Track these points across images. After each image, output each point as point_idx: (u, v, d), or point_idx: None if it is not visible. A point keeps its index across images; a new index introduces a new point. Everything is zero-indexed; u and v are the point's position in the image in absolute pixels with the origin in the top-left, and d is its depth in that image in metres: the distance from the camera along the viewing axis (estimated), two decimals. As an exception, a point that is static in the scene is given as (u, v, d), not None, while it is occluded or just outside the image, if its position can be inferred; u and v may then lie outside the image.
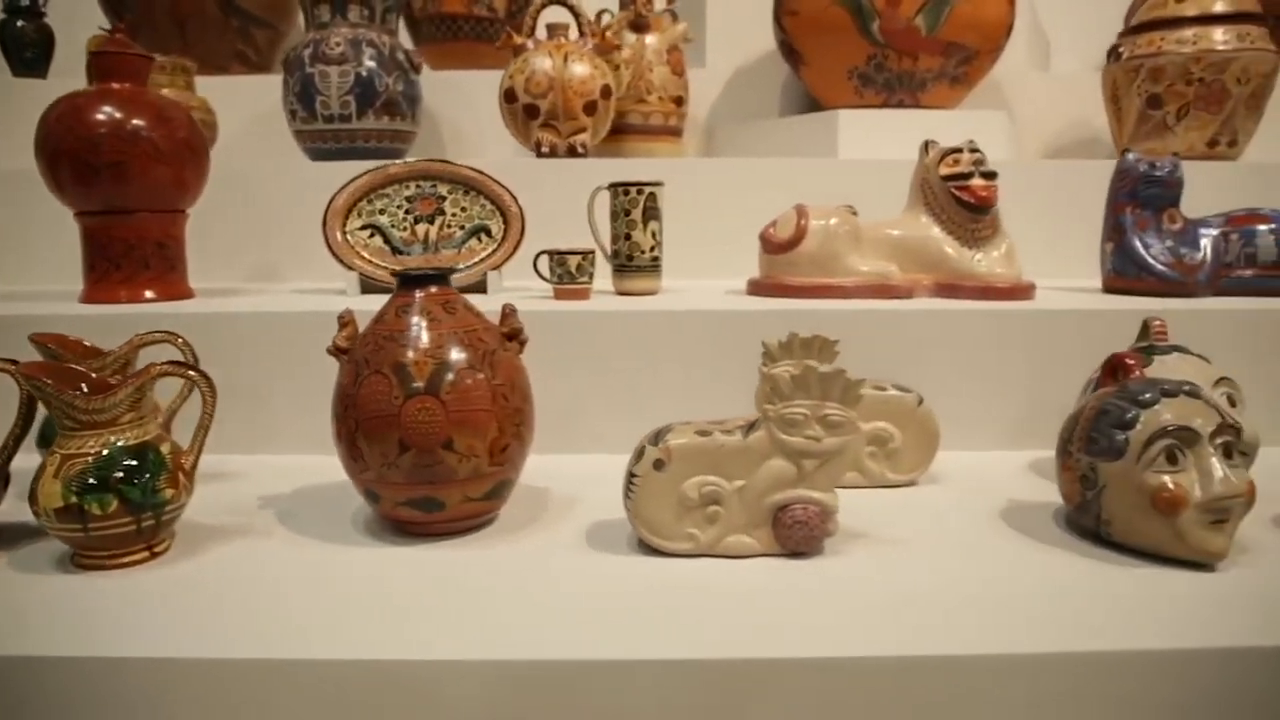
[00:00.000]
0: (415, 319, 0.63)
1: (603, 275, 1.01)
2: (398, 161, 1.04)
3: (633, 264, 0.97)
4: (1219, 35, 1.28)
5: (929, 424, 0.76)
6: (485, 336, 0.65)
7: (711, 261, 1.19)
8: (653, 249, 0.97)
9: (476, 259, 1.01)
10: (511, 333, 0.67)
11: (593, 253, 0.94)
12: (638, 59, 1.32)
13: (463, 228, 1.03)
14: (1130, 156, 1.00)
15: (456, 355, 0.62)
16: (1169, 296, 0.97)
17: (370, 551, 0.63)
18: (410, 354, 0.61)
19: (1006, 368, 0.89)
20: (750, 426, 0.60)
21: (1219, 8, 1.29)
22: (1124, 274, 1.00)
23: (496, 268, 1.01)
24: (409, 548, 0.63)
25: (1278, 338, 0.91)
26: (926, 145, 0.98)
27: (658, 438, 0.61)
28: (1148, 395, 0.61)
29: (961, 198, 0.95)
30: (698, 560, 0.61)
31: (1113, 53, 1.37)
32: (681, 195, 1.21)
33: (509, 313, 0.68)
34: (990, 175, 0.96)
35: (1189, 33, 1.29)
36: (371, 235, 1.02)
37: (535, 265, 0.95)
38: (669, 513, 0.60)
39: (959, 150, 0.96)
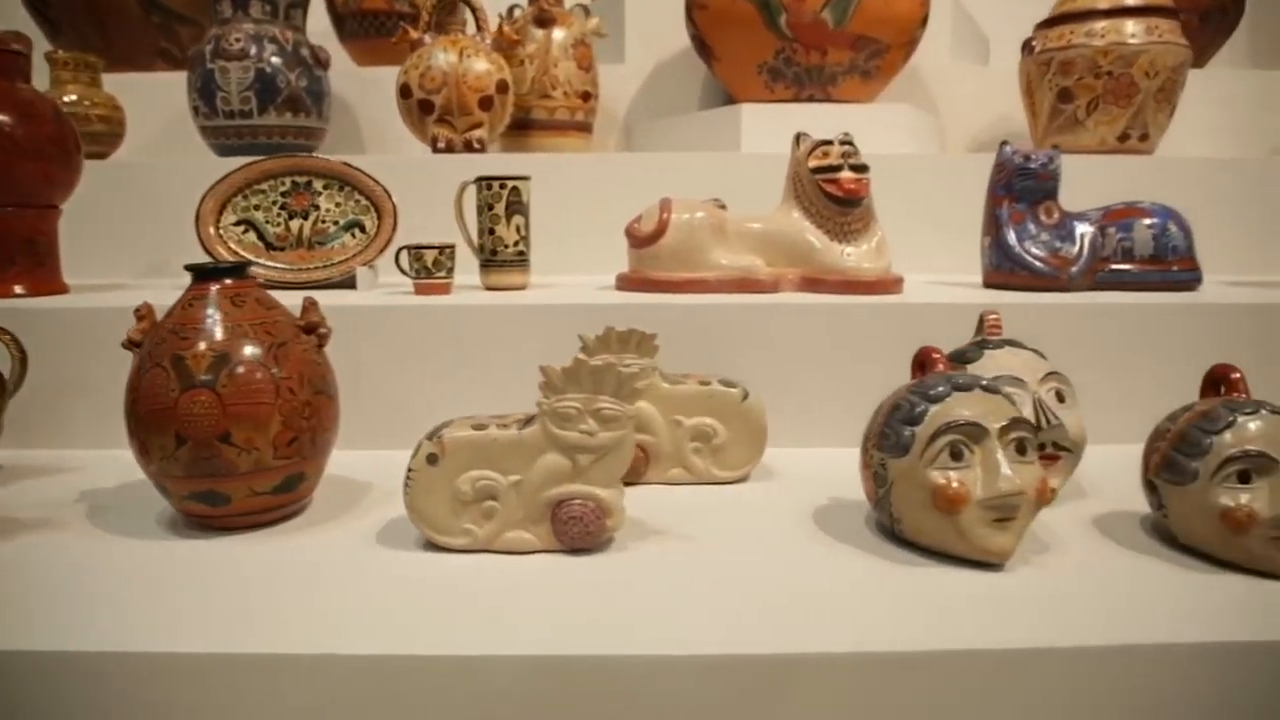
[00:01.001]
0: (201, 313, 0.63)
1: (474, 270, 1.00)
2: (271, 157, 1.03)
3: (497, 259, 0.96)
4: (1129, 28, 1.26)
5: (755, 419, 0.74)
6: (275, 330, 0.64)
7: (604, 256, 1.18)
8: (517, 244, 0.96)
9: (350, 254, 1.01)
10: (309, 326, 0.66)
11: (451, 247, 0.93)
12: (542, 54, 1.31)
13: (336, 223, 1.03)
14: (1006, 149, 0.98)
15: (237, 349, 0.61)
16: (1043, 291, 0.95)
17: (159, 545, 0.62)
18: (189, 347, 0.61)
19: (865, 362, 0.88)
20: (528, 421, 0.60)
21: (1130, 1, 1.27)
22: (1000, 268, 0.98)
23: (367, 263, 1.00)
24: (198, 541, 0.63)
25: (1144, 333, 0.89)
26: (798, 138, 0.97)
27: (435, 432, 0.60)
28: (939, 389, 0.60)
29: (829, 190, 0.93)
30: (476, 556, 0.60)
31: (1026, 46, 1.35)
32: (586, 190, 1.21)
33: (308, 306, 0.67)
34: (860, 168, 0.94)
35: (1099, 25, 1.27)
36: (246, 231, 1.02)
37: (397, 261, 0.95)
38: (445, 508, 0.60)
39: (829, 143, 0.95)
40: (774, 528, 0.65)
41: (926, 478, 0.57)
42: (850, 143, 0.96)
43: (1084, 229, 0.98)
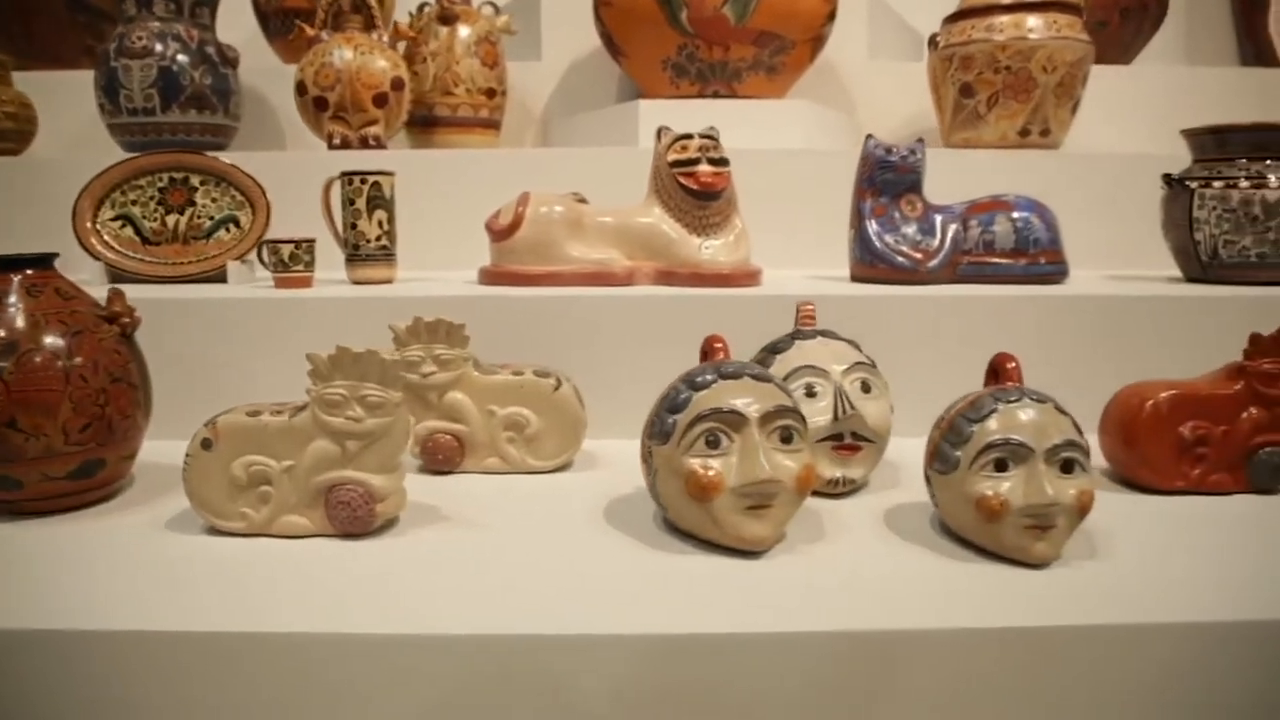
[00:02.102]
0: (-4, 302, 0.64)
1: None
2: (147, 153, 1.05)
3: (360, 253, 0.97)
4: (1029, 23, 1.26)
5: (569, 409, 0.75)
6: (70, 319, 0.65)
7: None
8: (380, 238, 0.97)
9: (225, 249, 1.03)
10: (111, 316, 0.68)
11: (309, 242, 0.94)
12: (445, 51, 1.32)
13: (213, 218, 1.04)
14: (870, 143, 0.98)
15: (28, 337, 0.63)
16: (902, 284, 0.96)
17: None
18: (-22, 335, 0.62)
19: (712, 355, 0.88)
20: (301, 408, 0.61)
21: (1030, -5, 1.27)
22: (862, 261, 0.98)
23: (241, 258, 1.02)
24: (-3, 526, 0.65)
25: (998, 326, 0.89)
26: (659, 132, 0.98)
27: (212, 419, 0.61)
28: (705, 378, 0.60)
29: (685, 184, 0.94)
30: (252, 540, 0.61)
31: (931, 41, 1.35)
32: (479, 185, 1.22)
33: (113, 297, 0.69)
34: (720, 162, 0.95)
35: (1000, 20, 1.27)
36: (123, 226, 1.04)
37: (260, 255, 0.96)
38: (221, 492, 0.61)
39: (690, 136, 0.96)
40: (562, 516, 0.66)
41: (682, 465, 0.58)
42: (711, 137, 0.96)
43: (947, 222, 0.98)
